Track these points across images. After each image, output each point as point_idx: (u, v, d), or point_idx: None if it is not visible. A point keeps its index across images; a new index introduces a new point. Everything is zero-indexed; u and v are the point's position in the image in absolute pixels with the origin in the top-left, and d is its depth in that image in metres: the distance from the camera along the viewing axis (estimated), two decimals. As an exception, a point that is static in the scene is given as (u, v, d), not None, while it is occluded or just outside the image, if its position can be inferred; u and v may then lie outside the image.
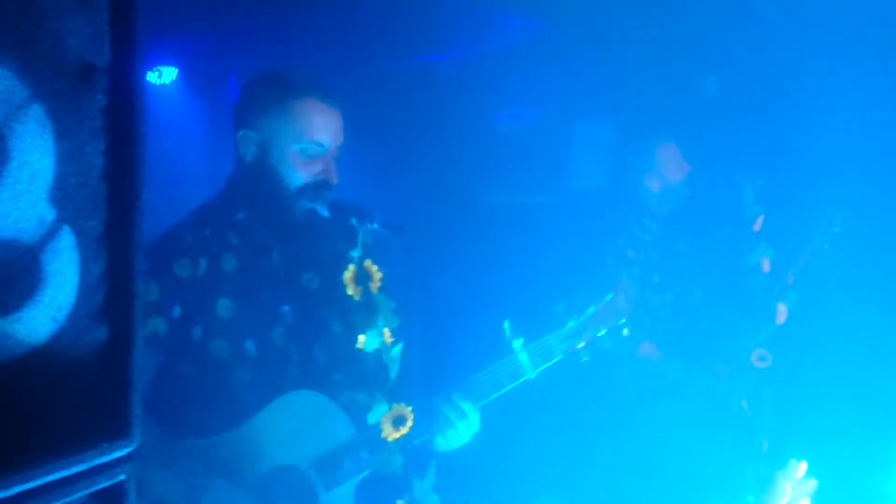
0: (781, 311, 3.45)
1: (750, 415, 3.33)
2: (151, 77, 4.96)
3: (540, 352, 2.55)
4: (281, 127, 2.37)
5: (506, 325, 2.55)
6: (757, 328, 3.41)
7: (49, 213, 1.10)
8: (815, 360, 3.59)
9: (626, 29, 4.36)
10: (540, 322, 2.62)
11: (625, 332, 2.67)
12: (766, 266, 3.50)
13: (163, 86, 4.97)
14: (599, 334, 2.62)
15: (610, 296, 2.63)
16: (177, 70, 4.98)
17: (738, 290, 3.58)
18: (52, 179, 1.10)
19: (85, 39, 1.13)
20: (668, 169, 3.93)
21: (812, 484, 2.34)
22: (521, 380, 2.54)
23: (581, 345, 2.59)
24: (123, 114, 1.18)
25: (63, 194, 1.12)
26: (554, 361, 2.57)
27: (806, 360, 3.53)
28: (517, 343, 2.52)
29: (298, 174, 2.35)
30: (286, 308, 2.38)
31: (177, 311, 2.26)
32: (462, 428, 2.49)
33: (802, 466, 2.35)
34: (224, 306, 2.30)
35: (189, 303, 2.27)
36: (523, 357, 2.52)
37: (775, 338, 3.43)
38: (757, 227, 3.52)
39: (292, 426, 2.33)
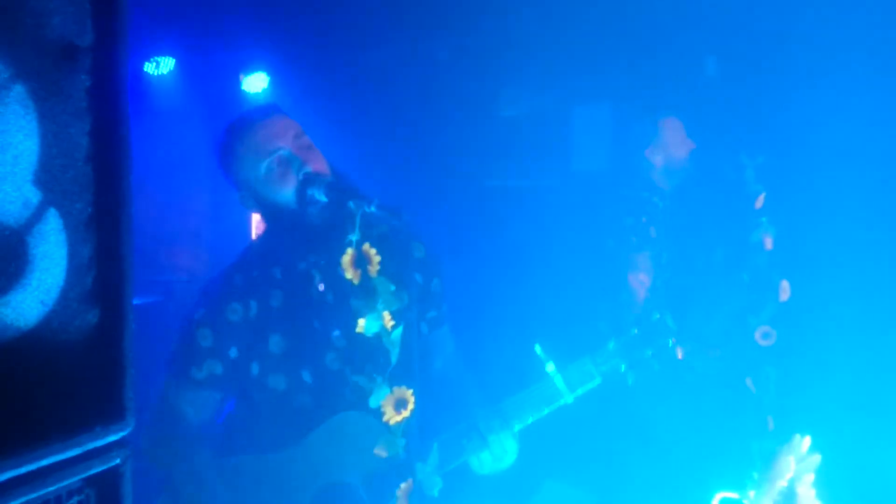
0: (784, 289, 3.43)
1: (755, 393, 3.32)
2: (149, 68, 4.94)
3: (577, 375, 2.47)
4: (244, 170, 2.44)
5: (537, 347, 2.46)
6: (760, 306, 3.39)
7: (35, 196, 1.09)
8: (820, 336, 3.57)
9: (627, 8, 4.33)
10: (577, 341, 2.53)
11: (679, 353, 2.55)
12: (768, 243, 3.48)
13: (161, 76, 4.95)
14: (647, 354, 2.53)
15: (657, 315, 2.51)
16: (174, 60, 4.96)
17: (740, 268, 3.56)
18: (37, 161, 1.09)
19: (67, 19, 1.12)
20: (672, 144, 3.91)
21: (816, 459, 2.33)
22: (558, 404, 2.47)
23: (623, 368, 2.49)
24: (108, 95, 1.17)
25: (49, 176, 1.11)
26: (593, 385, 2.48)
27: (811, 336, 3.52)
28: (549, 366, 2.43)
29: (284, 187, 2.38)
30: (336, 332, 2.40)
31: (233, 352, 2.37)
32: (497, 452, 2.46)
33: (806, 441, 2.33)
34: (275, 342, 2.40)
35: (244, 343, 2.38)
36: (558, 380, 2.45)
37: (779, 315, 3.41)
38: (759, 204, 3.50)
39: (344, 445, 2.40)
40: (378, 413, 2.33)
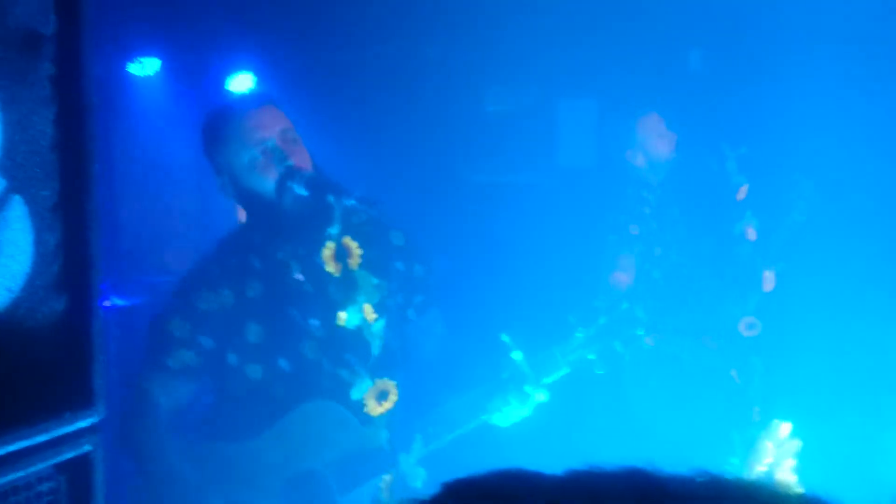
0: (768, 279, 3.44)
1: (740, 383, 3.33)
2: (134, 69, 4.94)
3: (545, 364, 2.45)
4: (229, 154, 2.44)
5: (504, 336, 2.46)
6: (744, 296, 3.41)
7: (-2, 183, 1.10)
8: (804, 326, 3.59)
9: (610, 3, 4.35)
10: (545, 331, 2.53)
11: (648, 341, 2.55)
12: (751, 234, 3.49)
13: (146, 77, 4.95)
14: (616, 345, 2.50)
15: (626, 305, 2.49)
16: (160, 61, 4.96)
17: (724, 259, 3.58)
18: (1, 148, 1.10)
19: (30, 7, 1.13)
20: (654, 140, 3.92)
21: (796, 444, 2.35)
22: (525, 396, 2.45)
23: (592, 357, 2.48)
24: (72, 83, 1.18)
25: (13, 163, 1.11)
26: (560, 374, 2.46)
27: (795, 326, 3.53)
28: (516, 355, 2.42)
29: (265, 179, 2.40)
30: (315, 322, 2.41)
31: (207, 341, 2.37)
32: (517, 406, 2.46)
33: (785, 427, 2.35)
34: (253, 331, 2.40)
35: (218, 333, 2.38)
36: (526, 368, 2.43)
37: (763, 305, 3.42)
38: (741, 195, 3.51)
39: (314, 433, 2.40)
40: (360, 405, 2.34)
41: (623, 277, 3.84)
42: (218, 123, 2.49)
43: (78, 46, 1.16)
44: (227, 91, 4.71)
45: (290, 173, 2.36)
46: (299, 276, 2.43)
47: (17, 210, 1.12)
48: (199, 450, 2.35)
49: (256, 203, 2.42)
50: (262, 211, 2.42)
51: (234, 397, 2.40)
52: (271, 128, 2.42)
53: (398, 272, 2.53)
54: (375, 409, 2.35)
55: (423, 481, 2.44)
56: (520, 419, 2.47)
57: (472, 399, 2.50)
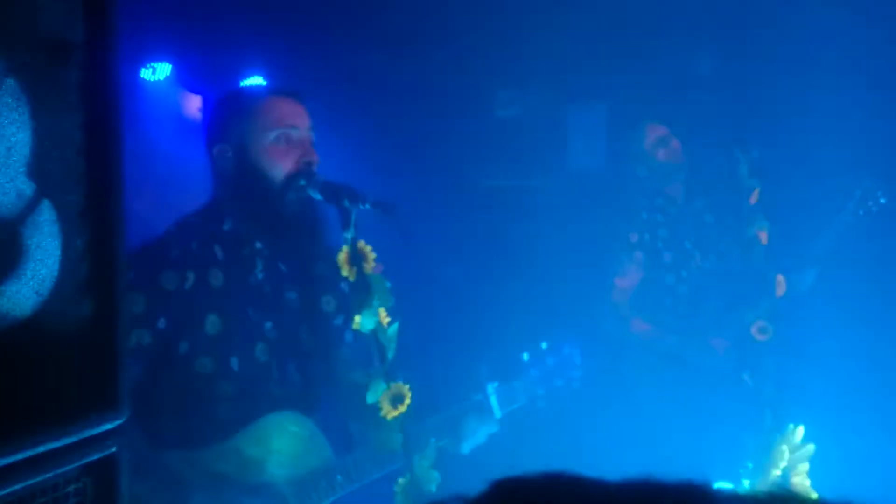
0: (780, 283, 3.44)
1: (752, 387, 3.33)
2: (145, 74, 4.95)
3: (505, 395, 2.70)
4: (252, 127, 2.40)
5: (483, 368, 2.70)
6: (756, 300, 3.40)
7: (28, 187, 1.11)
8: (816, 330, 3.59)
9: (620, 8, 4.36)
10: (511, 364, 2.79)
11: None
12: (763, 238, 3.49)
13: (157, 82, 4.96)
14: (557, 384, 2.78)
15: (567, 349, 2.79)
16: (171, 66, 4.97)
17: (738, 263, 3.58)
18: (30, 153, 1.11)
19: (58, 15, 1.14)
20: (662, 147, 3.92)
21: (810, 448, 2.35)
22: (488, 425, 2.67)
23: (542, 391, 2.77)
24: (100, 89, 1.19)
25: (42, 168, 1.13)
26: (517, 406, 2.72)
27: (807, 330, 3.53)
28: (491, 387, 2.67)
29: (280, 164, 2.37)
30: (268, 324, 2.40)
31: (162, 322, 2.27)
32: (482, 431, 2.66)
33: (800, 431, 2.35)
34: (212, 322, 2.32)
35: (175, 316, 2.28)
36: (493, 400, 2.66)
37: (775, 309, 3.42)
38: (754, 199, 3.50)
39: (273, 445, 2.36)
40: (375, 408, 2.34)
41: (623, 283, 3.85)
42: (248, 95, 2.50)
43: (106, 54, 1.18)
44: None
45: (307, 171, 2.37)
46: (259, 276, 2.42)
47: (46, 214, 1.14)
48: (155, 458, 2.26)
49: (250, 186, 2.38)
50: (252, 196, 2.38)
51: (177, 388, 2.30)
52: (302, 122, 2.43)
53: (343, 293, 2.52)
54: (390, 412, 2.35)
55: (437, 485, 2.44)
56: (475, 446, 2.67)
57: (435, 424, 2.59)
